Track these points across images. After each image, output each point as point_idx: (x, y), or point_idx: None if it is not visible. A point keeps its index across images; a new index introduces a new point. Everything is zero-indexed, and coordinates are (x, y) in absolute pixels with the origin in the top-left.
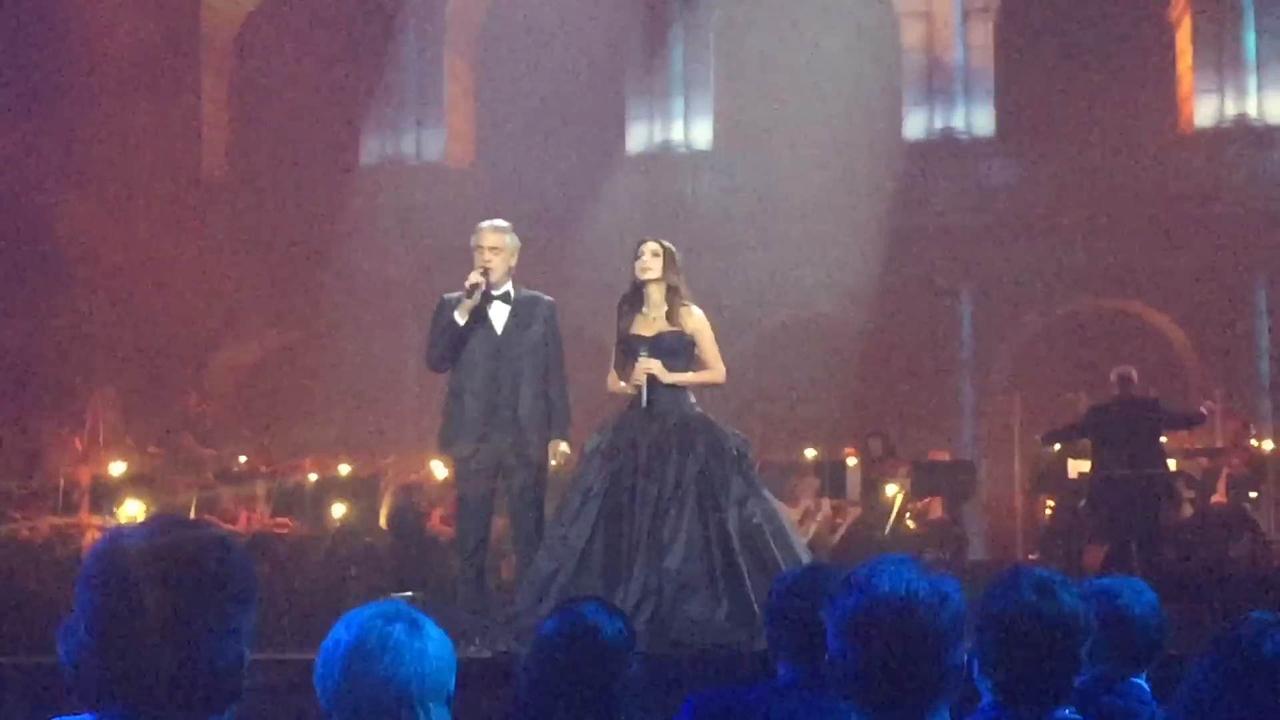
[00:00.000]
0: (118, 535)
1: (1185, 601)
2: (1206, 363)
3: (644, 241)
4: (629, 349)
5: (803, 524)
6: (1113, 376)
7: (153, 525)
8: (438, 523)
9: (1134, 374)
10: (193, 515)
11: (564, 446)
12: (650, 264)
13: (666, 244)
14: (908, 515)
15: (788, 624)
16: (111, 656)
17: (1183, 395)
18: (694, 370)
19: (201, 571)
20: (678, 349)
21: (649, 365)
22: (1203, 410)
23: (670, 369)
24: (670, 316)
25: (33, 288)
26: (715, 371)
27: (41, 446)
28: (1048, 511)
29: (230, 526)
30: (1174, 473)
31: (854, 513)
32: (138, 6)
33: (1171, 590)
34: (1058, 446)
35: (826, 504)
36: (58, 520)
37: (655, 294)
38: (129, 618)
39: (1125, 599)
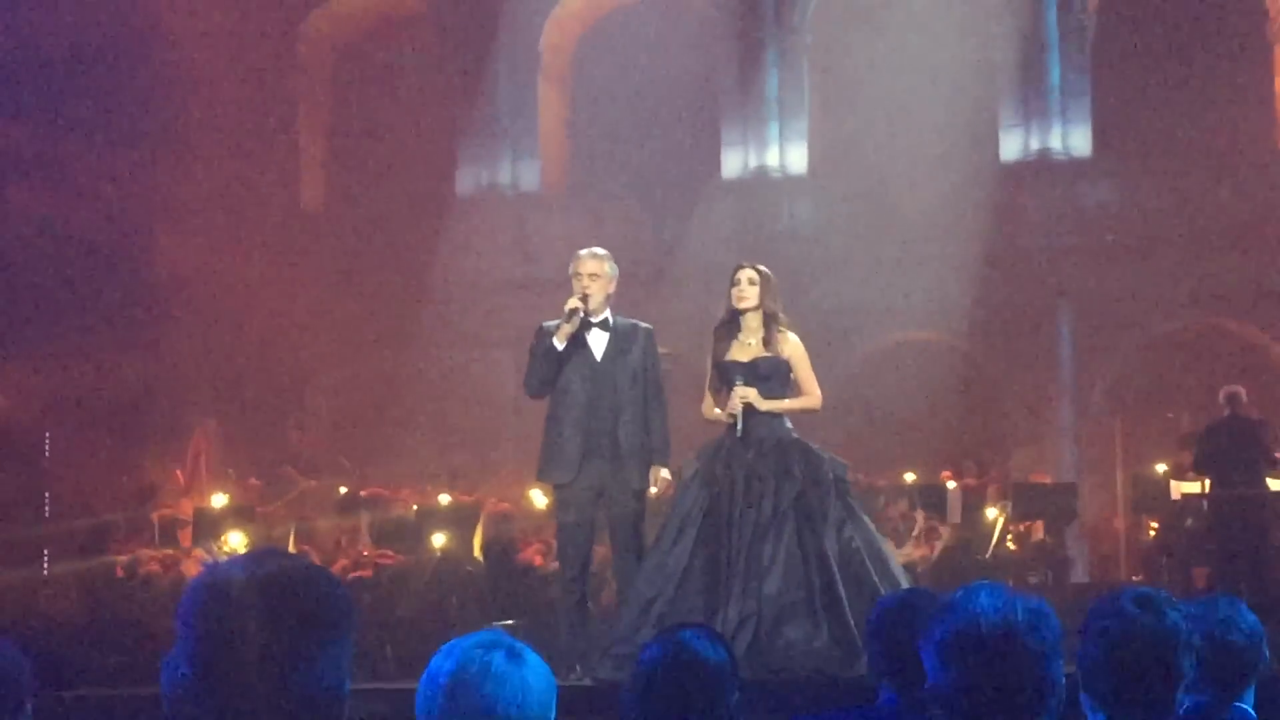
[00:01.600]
0: (216, 568)
1: None
2: None
3: (740, 268)
4: (725, 375)
5: (902, 539)
6: (1221, 397)
7: (251, 558)
8: (533, 553)
9: (1243, 394)
10: (291, 546)
11: (665, 473)
12: (747, 292)
13: (763, 270)
14: (1009, 538)
15: (888, 648)
16: (212, 688)
17: None
18: (790, 395)
19: (300, 602)
20: (774, 375)
21: (745, 394)
22: None
23: (766, 395)
24: (767, 343)
25: (137, 323)
26: (812, 397)
27: (151, 480)
28: (1151, 533)
29: (331, 567)
30: (1271, 492)
31: (949, 534)
32: (237, 41)
33: (1276, 612)
34: (1162, 468)
35: (920, 519)
36: (160, 552)
37: (752, 320)
38: (229, 650)
39: (1224, 620)
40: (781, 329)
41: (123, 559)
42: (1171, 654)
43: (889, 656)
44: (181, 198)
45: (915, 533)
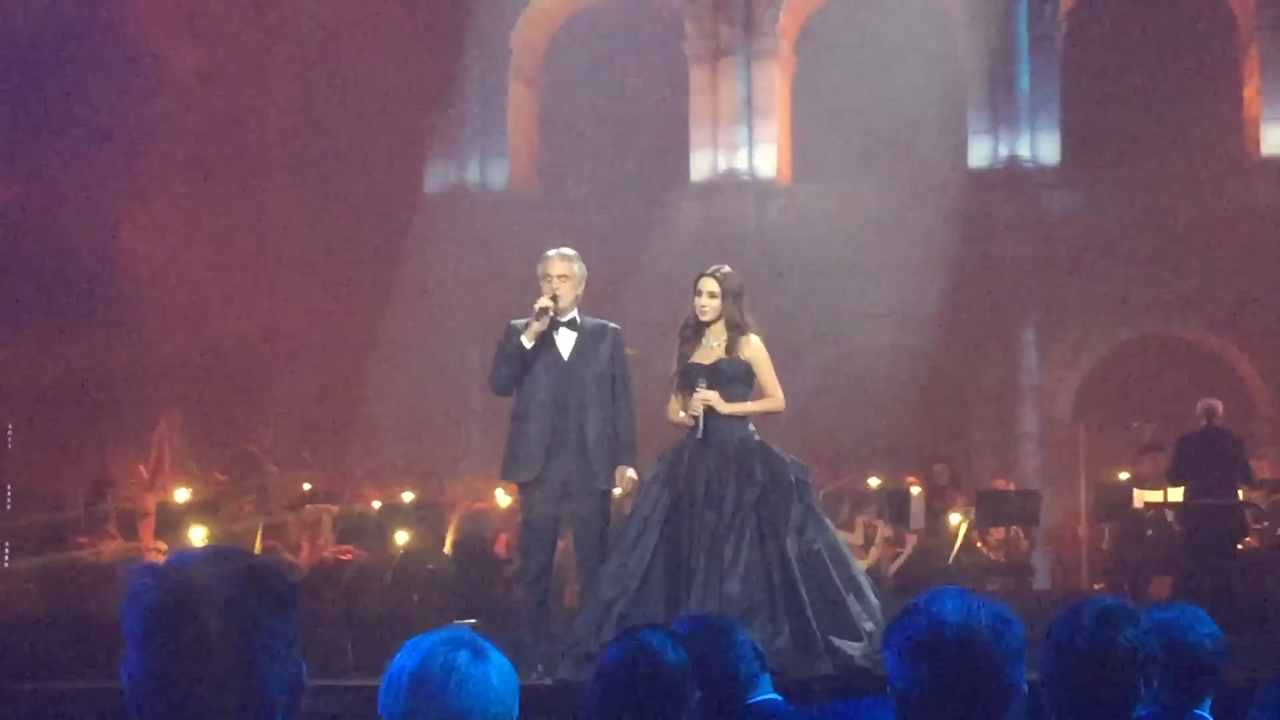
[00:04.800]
0: (166, 562)
1: (1252, 632)
2: (1274, 391)
3: (702, 277)
4: (688, 377)
5: (864, 549)
6: (1198, 408)
7: (195, 554)
8: (503, 550)
9: (1219, 406)
10: (258, 542)
11: (630, 473)
12: (708, 305)
13: (725, 274)
14: (979, 544)
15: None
16: (171, 683)
17: (1251, 425)
18: (753, 398)
19: (256, 591)
20: (736, 377)
21: (707, 397)
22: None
23: (729, 397)
24: (730, 347)
25: (102, 316)
26: (774, 400)
27: (109, 473)
28: (1112, 542)
29: (290, 558)
30: (1241, 503)
31: (913, 540)
32: (206, 37)
33: (1238, 621)
34: (1125, 476)
35: (882, 525)
36: (122, 546)
37: (716, 326)
38: (187, 643)
39: (1186, 629)
40: (745, 332)
41: (84, 552)
42: (1128, 672)
43: None
44: (147, 191)
45: (878, 540)
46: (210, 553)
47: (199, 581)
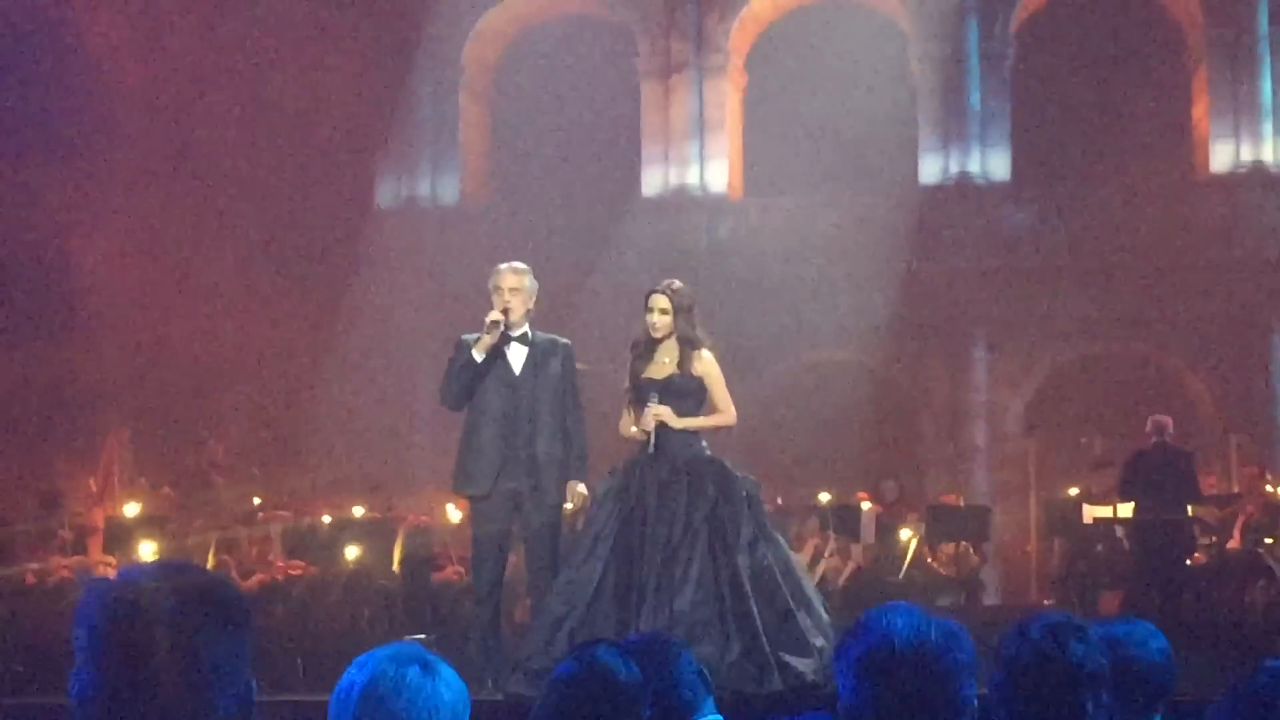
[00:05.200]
0: (116, 578)
1: (1200, 648)
2: (1222, 408)
3: (654, 293)
4: (640, 393)
5: (812, 565)
6: (1149, 425)
7: (146, 567)
8: (450, 572)
9: (1169, 423)
10: (211, 557)
11: (581, 488)
12: (659, 322)
13: (677, 290)
14: (929, 559)
15: None
16: (119, 698)
17: (1198, 441)
18: (705, 413)
19: (205, 607)
20: (688, 393)
21: (659, 412)
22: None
23: (681, 412)
24: (681, 362)
25: (49, 327)
26: (725, 415)
27: (58, 487)
28: (1061, 557)
29: (239, 579)
30: (1190, 519)
31: (860, 555)
32: (154, 51)
33: (1186, 636)
34: (1074, 491)
35: (832, 540)
36: (71, 561)
37: (668, 342)
38: (135, 658)
39: (1135, 644)
40: (697, 348)
41: (33, 567)
42: (1077, 687)
43: None
44: (96, 203)
45: (828, 553)
46: (160, 568)
47: (148, 597)
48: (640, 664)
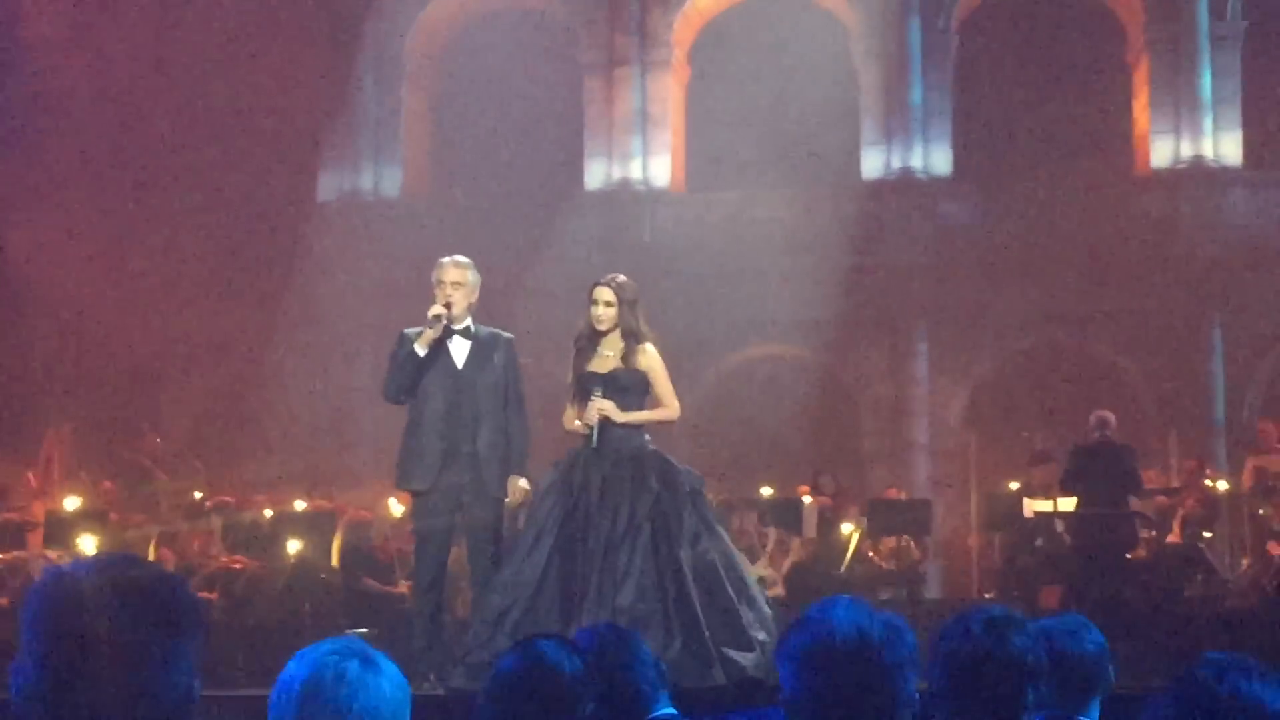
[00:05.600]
0: (62, 571)
1: (1140, 641)
2: (1161, 402)
3: (597, 286)
4: (584, 386)
5: (753, 559)
6: (1091, 420)
7: (97, 561)
8: (389, 559)
9: (1112, 418)
10: (152, 550)
11: (523, 482)
12: (604, 314)
13: (621, 284)
14: (870, 553)
15: None
16: (61, 691)
17: (1138, 435)
18: (648, 407)
19: (149, 604)
20: (631, 386)
21: (602, 406)
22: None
23: (624, 406)
24: (625, 356)
25: None
26: (669, 409)
27: (2, 483)
28: (1002, 551)
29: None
30: (1130, 513)
31: (800, 548)
32: (96, 43)
33: (1126, 629)
34: (1015, 485)
35: (772, 534)
36: (9, 555)
37: (612, 335)
38: (78, 652)
39: (1070, 637)
40: (641, 342)
41: None
42: (1015, 680)
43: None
44: (34, 199)
45: (768, 547)
46: (107, 561)
47: (93, 590)
48: (598, 657)
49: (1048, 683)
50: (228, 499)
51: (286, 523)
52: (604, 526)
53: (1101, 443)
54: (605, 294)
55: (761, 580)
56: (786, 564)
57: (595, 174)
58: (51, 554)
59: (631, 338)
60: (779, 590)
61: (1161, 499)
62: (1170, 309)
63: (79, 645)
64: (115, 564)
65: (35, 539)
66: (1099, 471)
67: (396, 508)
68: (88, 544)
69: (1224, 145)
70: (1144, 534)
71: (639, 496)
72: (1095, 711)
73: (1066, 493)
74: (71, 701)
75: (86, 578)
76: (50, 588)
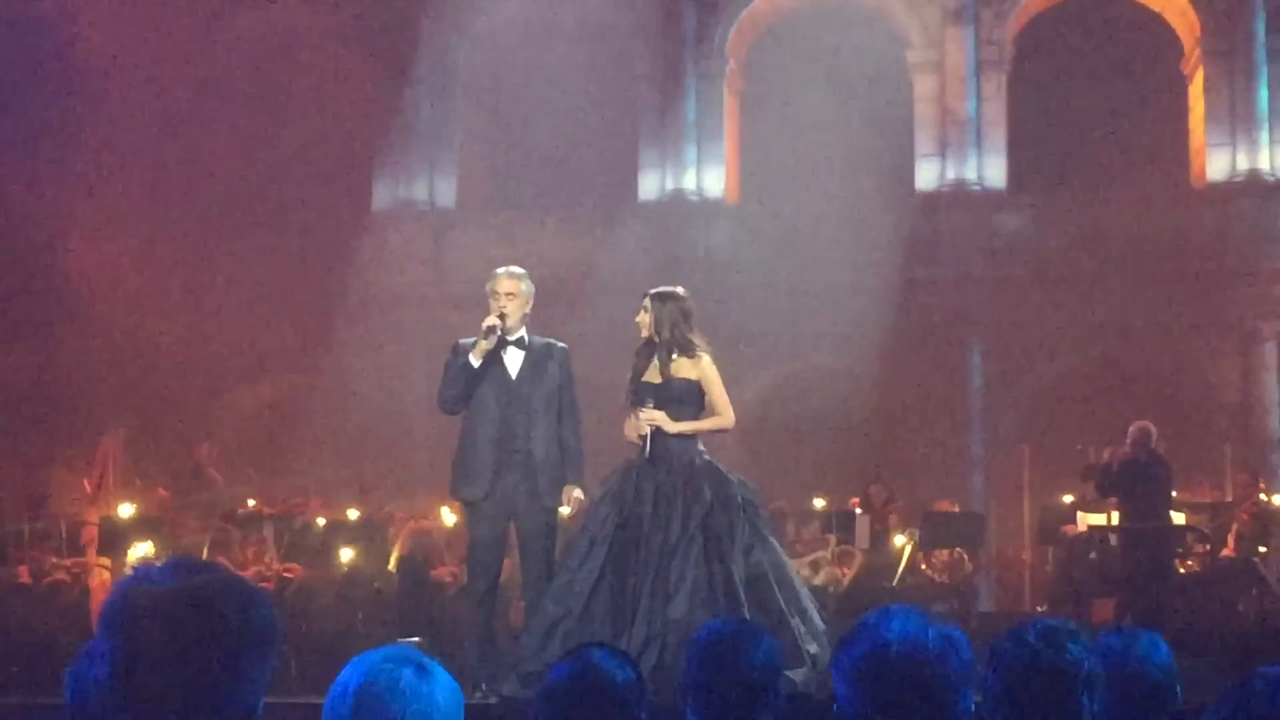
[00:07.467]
0: (142, 576)
1: (1193, 656)
2: (1216, 416)
3: (646, 295)
4: (639, 396)
5: (816, 570)
6: (1132, 430)
7: (181, 567)
8: (445, 573)
9: (1153, 429)
10: (205, 557)
11: (578, 492)
12: (641, 321)
13: (656, 294)
14: (923, 566)
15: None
16: (128, 695)
17: (1192, 449)
18: (703, 416)
19: (227, 616)
20: (686, 396)
21: (651, 417)
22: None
23: (678, 416)
24: (679, 365)
25: (44, 327)
26: (723, 418)
27: (50, 488)
28: (1054, 564)
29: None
30: (1183, 526)
31: (859, 559)
32: (152, 51)
33: (1179, 644)
34: (1069, 498)
35: (833, 542)
36: (64, 562)
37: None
38: (151, 657)
39: (1140, 653)
40: (695, 351)
41: (27, 567)
42: (1072, 690)
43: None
44: (93, 206)
45: (829, 554)
46: (185, 567)
47: (175, 595)
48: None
49: (1112, 701)
50: (280, 508)
51: (339, 531)
52: (657, 537)
53: (1145, 454)
54: (645, 303)
55: (822, 589)
56: (849, 573)
57: (650, 185)
58: (107, 562)
59: (685, 349)
60: (842, 587)
61: (1213, 515)
62: (1226, 322)
63: (152, 650)
64: (200, 572)
65: (90, 546)
66: (1136, 485)
67: (449, 516)
68: (141, 551)
69: None
70: (1198, 548)
71: (692, 507)
72: None
73: (1103, 496)
74: (136, 706)
75: (169, 583)
76: (133, 589)
